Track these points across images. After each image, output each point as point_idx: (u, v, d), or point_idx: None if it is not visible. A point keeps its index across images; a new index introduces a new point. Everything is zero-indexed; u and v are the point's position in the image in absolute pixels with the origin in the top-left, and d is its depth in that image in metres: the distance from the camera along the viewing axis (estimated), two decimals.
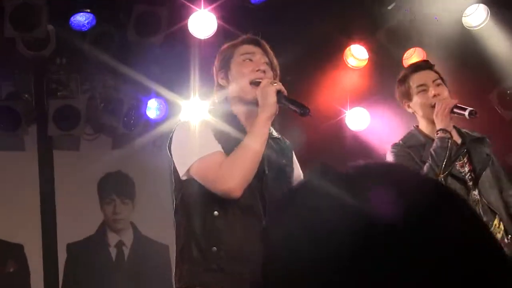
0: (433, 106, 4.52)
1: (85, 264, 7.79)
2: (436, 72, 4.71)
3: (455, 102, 4.48)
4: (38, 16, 6.29)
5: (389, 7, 7.02)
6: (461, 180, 4.43)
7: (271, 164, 3.81)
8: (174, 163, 3.83)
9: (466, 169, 4.51)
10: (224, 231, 3.71)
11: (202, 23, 6.51)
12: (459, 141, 4.59)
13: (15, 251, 7.52)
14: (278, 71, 3.98)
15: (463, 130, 4.71)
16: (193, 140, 3.78)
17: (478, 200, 4.41)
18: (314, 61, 7.30)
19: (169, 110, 7.40)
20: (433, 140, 4.49)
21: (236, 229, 3.71)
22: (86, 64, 7.13)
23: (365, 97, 7.38)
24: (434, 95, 4.55)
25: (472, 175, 4.50)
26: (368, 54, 7.26)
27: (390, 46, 7.04)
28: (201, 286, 3.71)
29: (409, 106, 4.70)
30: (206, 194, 3.71)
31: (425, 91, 4.59)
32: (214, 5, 6.48)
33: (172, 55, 7.02)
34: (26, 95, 7.33)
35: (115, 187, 7.96)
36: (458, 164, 4.50)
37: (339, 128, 7.43)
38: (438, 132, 4.42)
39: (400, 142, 4.63)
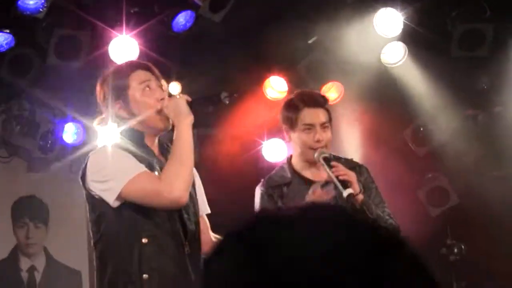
0: (313, 149, 4.44)
1: None
2: (327, 111, 4.60)
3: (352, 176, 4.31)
4: None
5: (310, 41, 7.11)
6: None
7: None
8: (92, 193, 3.74)
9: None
10: (154, 257, 3.70)
11: (124, 49, 6.49)
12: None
13: None
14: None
15: (342, 158, 4.65)
16: (116, 165, 3.71)
17: None
18: (233, 92, 7.33)
19: (86, 135, 7.33)
20: (301, 178, 4.51)
21: (165, 255, 3.72)
22: (1, 86, 7.01)
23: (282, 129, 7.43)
24: (318, 140, 4.45)
25: None
26: (288, 86, 7.32)
27: (309, 79, 7.11)
28: None
29: (288, 135, 4.62)
30: (133, 222, 3.70)
31: (310, 130, 4.48)
32: (136, 31, 6.48)
33: (92, 80, 6.96)
34: None
35: (29, 211, 7.83)
36: None
37: (256, 159, 7.46)
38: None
39: (265, 182, 4.60)
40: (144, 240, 3.69)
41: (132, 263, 3.69)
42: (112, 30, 6.47)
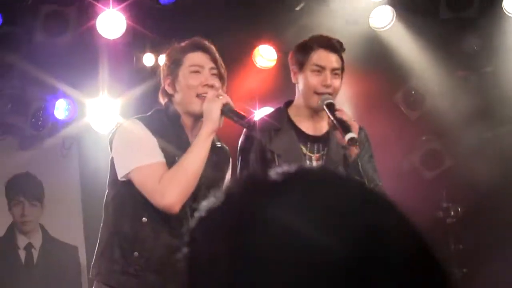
0: (317, 94, 4.21)
1: None
2: (341, 59, 4.29)
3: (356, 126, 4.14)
4: None
5: (297, 8, 7.09)
6: None
7: (206, 180, 3.82)
8: (113, 160, 3.84)
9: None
10: (149, 238, 3.77)
11: (111, 23, 6.47)
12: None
13: None
14: (226, 77, 4.02)
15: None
16: (138, 145, 3.78)
17: None
18: (223, 62, 7.32)
19: (78, 111, 7.32)
20: (294, 130, 4.30)
21: (160, 239, 3.76)
22: None
23: (274, 97, 7.43)
24: (326, 85, 4.19)
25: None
26: (277, 54, 7.32)
27: None
28: (117, 286, 3.77)
29: (296, 76, 4.32)
30: (139, 199, 3.75)
31: (320, 73, 4.21)
32: (122, 5, 6.45)
33: (81, 55, 6.96)
34: None
35: (23, 188, 7.83)
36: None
37: None
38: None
39: (257, 126, 4.39)
40: (144, 219, 3.76)
41: (128, 238, 3.77)
42: (98, 4, 6.44)
